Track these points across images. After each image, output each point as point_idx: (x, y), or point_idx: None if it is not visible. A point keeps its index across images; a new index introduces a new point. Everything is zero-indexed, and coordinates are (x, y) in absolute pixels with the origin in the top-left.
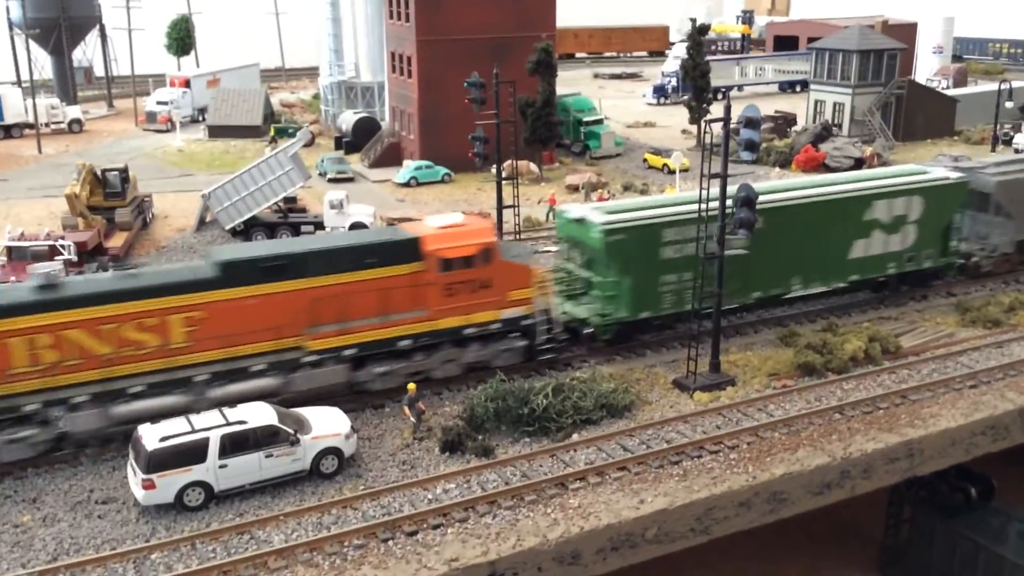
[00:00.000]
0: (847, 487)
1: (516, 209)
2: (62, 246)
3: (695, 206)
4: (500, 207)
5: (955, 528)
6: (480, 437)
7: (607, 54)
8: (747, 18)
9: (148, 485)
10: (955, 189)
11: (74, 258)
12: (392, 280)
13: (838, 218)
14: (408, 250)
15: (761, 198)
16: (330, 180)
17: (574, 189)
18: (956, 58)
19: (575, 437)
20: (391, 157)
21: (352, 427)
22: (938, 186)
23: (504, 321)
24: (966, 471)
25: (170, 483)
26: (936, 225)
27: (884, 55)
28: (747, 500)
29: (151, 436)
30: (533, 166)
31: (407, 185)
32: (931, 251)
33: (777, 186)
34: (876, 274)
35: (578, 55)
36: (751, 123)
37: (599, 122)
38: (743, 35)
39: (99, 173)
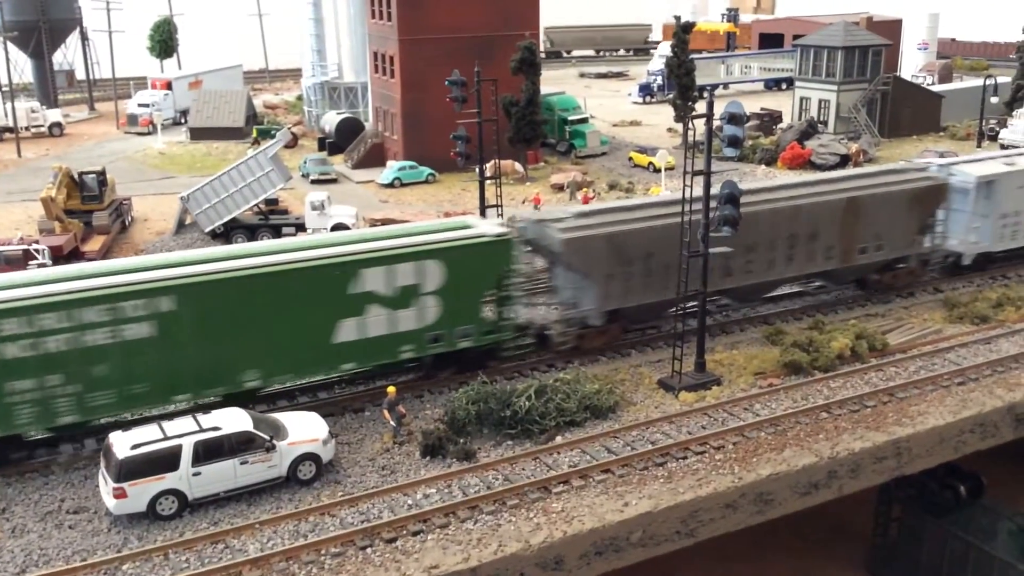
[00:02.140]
0: (835, 487)
1: (499, 209)
2: (36, 250)
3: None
4: (483, 207)
5: (945, 527)
6: (461, 440)
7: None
8: (732, 16)
9: (119, 494)
10: (494, 249)
11: (48, 262)
12: None
13: (309, 293)
14: None
15: (186, 270)
16: (313, 181)
17: (559, 188)
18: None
19: (558, 439)
20: (375, 158)
21: (330, 432)
22: (465, 247)
23: None
24: (955, 469)
25: (142, 492)
26: (473, 294)
27: (869, 51)
28: (733, 502)
29: (122, 444)
30: (518, 165)
31: (391, 186)
32: (469, 327)
33: (236, 251)
34: (384, 360)
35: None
36: (734, 119)
37: (584, 121)
38: (728, 33)
39: (76, 176)
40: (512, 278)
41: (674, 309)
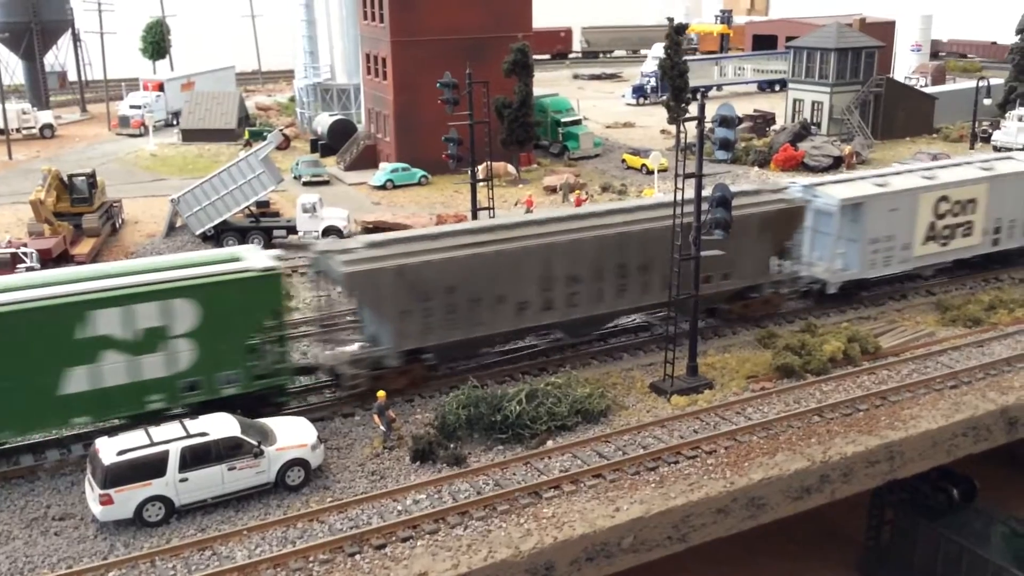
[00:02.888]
0: (827, 491)
1: (491, 211)
2: (24, 253)
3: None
4: (475, 209)
5: (938, 530)
6: (452, 445)
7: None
8: (726, 18)
9: (106, 500)
10: (259, 285)
11: (37, 265)
12: None
13: (27, 339)
14: None
15: None
16: (305, 183)
17: (552, 190)
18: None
19: (549, 444)
20: (367, 160)
21: (319, 437)
22: (222, 283)
23: None
24: (948, 472)
25: (128, 498)
26: (236, 336)
27: (862, 53)
28: (725, 507)
29: (108, 450)
30: (511, 167)
31: (383, 188)
32: (234, 373)
33: None
34: (128, 411)
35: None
36: (725, 122)
37: (577, 122)
38: (722, 34)
39: (66, 179)
40: (283, 316)
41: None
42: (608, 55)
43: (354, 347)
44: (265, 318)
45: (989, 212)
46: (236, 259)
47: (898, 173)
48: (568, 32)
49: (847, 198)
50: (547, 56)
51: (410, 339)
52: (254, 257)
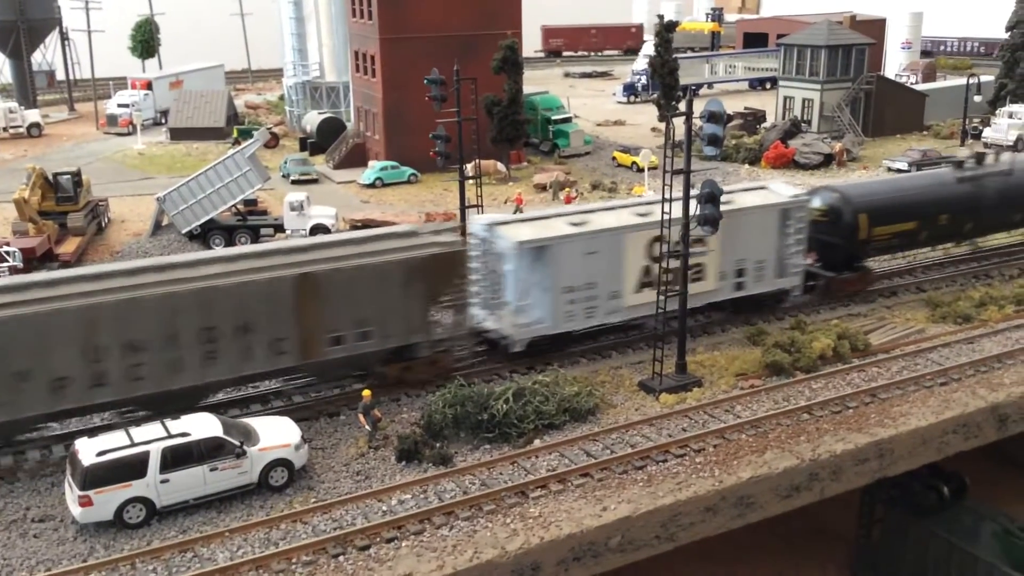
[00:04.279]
0: (816, 490)
1: (480, 210)
2: (7, 252)
3: None
4: (463, 207)
5: (928, 528)
6: (438, 445)
7: None
8: (716, 15)
9: (85, 502)
10: None
11: (20, 264)
12: None
13: None
14: None
15: None
16: (294, 182)
17: (542, 188)
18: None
19: (537, 443)
20: (356, 158)
21: (303, 437)
22: None
23: None
24: (938, 469)
25: (109, 499)
26: None
27: (852, 50)
28: (713, 505)
29: (88, 450)
30: (500, 165)
31: (372, 186)
32: None
33: None
34: None
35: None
36: (714, 118)
37: (568, 120)
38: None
39: (50, 177)
40: None
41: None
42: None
43: None
44: None
45: (724, 252)
46: None
47: (607, 209)
48: (639, 28)
49: (526, 241)
50: (617, 52)
51: None
52: None
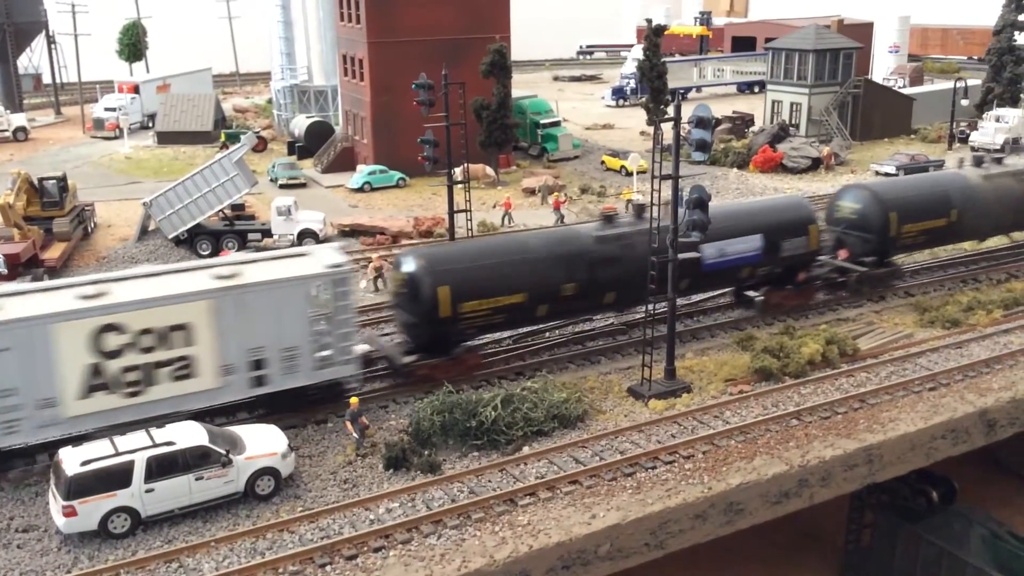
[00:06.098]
0: (805, 496)
1: (468, 214)
2: None
3: None
4: (452, 211)
5: (917, 532)
6: (426, 452)
7: None
8: (705, 19)
9: (69, 512)
10: None
11: (4, 271)
12: None
13: None
14: None
15: None
16: (282, 186)
17: (531, 192)
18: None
19: (526, 450)
20: (344, 162)
21: (290, 445)
22: None
23: None
24: (927, 474)
25: (93, 509)
26: None
27: (840, 54)
28: (703, 512)
29: (71, 460)
30: (489, 170)
31: (361, 190)
32: None
33: None
34: None
35: None
36: (702, 123)
37: (557, 124)
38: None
39: (36, 182)
40: None
41: None
42: None
43: None
44: None
45: (226, 341)
46: None
47: (37, 291)
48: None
49: None
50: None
51: None
52: None
